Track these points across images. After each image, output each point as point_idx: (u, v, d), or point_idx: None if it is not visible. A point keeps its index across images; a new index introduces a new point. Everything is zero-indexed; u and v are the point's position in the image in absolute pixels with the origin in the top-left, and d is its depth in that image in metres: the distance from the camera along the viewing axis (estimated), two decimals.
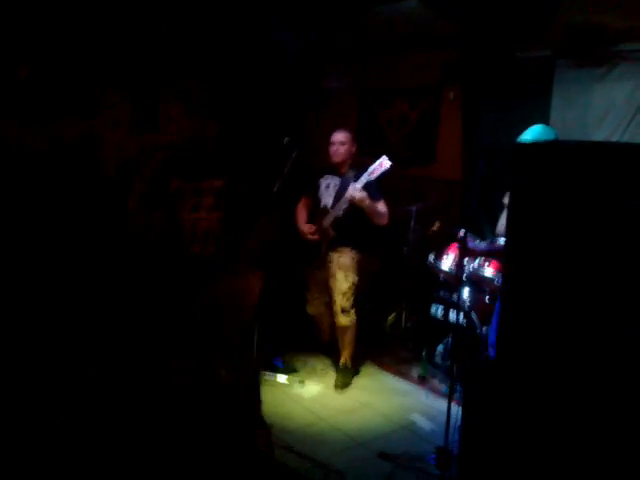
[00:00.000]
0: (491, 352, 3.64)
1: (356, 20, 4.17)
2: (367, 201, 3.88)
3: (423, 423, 3.67)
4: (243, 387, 3.35)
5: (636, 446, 2.10)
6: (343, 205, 4.03)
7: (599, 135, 4.14)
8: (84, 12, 3.92)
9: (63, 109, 4.18)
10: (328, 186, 4.24)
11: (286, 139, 4.13)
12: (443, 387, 4.08)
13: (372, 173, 3.85)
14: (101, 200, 4.06)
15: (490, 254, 3.99)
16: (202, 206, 3.37)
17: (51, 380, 3.23)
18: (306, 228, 4.26)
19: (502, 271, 3.75)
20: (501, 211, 3.95)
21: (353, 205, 3.95)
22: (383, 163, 3.84)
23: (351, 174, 4.02)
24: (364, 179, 3.87)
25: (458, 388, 3.46)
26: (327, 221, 4.14)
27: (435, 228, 4.53)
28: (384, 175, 3.86)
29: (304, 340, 4.69)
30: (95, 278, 3.72)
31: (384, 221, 4.04)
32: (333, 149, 4.14)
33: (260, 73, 5.13)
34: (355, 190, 3.86)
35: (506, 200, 3.83)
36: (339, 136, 4.15)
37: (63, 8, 3.80)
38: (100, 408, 3.06)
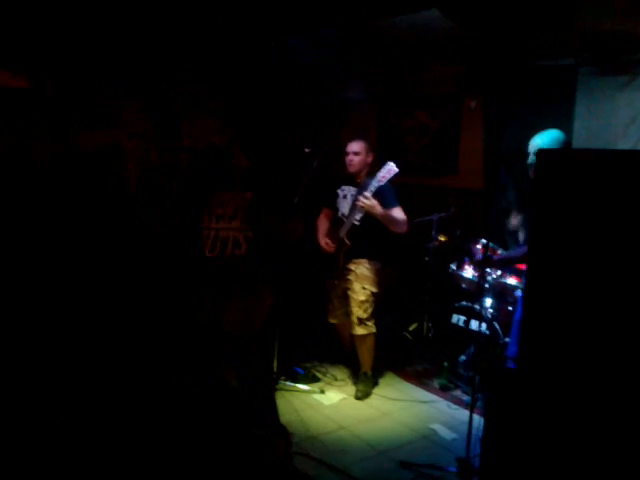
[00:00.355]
0: (510, 364, 3.61)
1: (375, 30, 4.18)
2: (378, 208, 3.86)
3: (444, 433, 3.64)
4: (251, 391, 3.35)
5: None
6: (358, 214, 4.02)
7: (624, 144, 4.09)
8: (108, 28, 4.02)
9: (86, 121, 4.28)
10: (345, 196, 4.25)
11: (307, 149, 4.18)
12: (465, 397, 4.05)
13: (380, 180, 3.83)
14: (119, 206, 4.13)
15: (509, 262, 3.93)
16: (223, 216, 3.41)
17: (52, 380, 3.28)
18: (323, 242, 4.28)
19: (524, 279, 3.71)
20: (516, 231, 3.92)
21: (368, 214, 3.94)
22: (391, 169, 3.82)
23: (367, 183, 4.02)
24: (373, 187, 3.85)
25: (480, 398, 3.45)
26: (343, 231, 4.14)
27: (442, 240, 4.53)
28: (392, 180, 3.85)
29: (326, 350, 4.71)
30: (105, 278, 3.77)
31: (403, 228, 4.00)
32: (348, 159, 4.15)
33: (281, 83, 5.18)
34: (364, 198, 3.85)
35: (513, 222, 3.80)
36: (353, 146, 4.15)
37: (88, 26, 3.90)
38: (101, 408, 3.10)
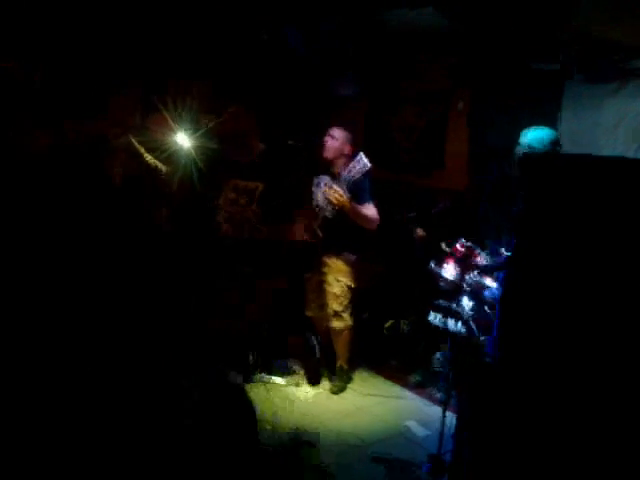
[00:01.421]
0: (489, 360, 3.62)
1: (367, 25, 4.17)
2: (347, 204, 3.78)
3: (418, 429, 3.65)
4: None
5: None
6: (329, 206, 3.95)
7: (609, 151, 4.13)
8: (99, 17, 3.95)
9: (72, 111, 4.22)
10: (318, 184, 4.16)
11: (290, 141, 4.14)
12: (439, 394, 4.06)
13: (350, 171, 3.73)
14: (106, 199, 4.08)
15: (492, 270, 3.94)
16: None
17: (52, 378, 3.24)
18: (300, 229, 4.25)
19: (503, 279, 3.72)
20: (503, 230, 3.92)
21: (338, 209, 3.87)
22: (361, 160, 3.69)
23: (340, 175, 3.89)
24: (344, 179, 3.77)
25: (454, 396, 3.46)
26: (316, 222, 4.06)
27: (420, 235, 4.51)
28: (366, 174, 3.75)
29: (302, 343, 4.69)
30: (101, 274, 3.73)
31: (372, 226, 3.95)
32: (324, 141, 4.09)
33: (271, 76, 5.15)
34: (335, 193, 3.77)
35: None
36: (333, 130, 4.10)
37: (76, 16, 3.83)
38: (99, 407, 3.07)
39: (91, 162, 4.05)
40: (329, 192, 3.79)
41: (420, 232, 4.53)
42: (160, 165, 3.60)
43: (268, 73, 4.96)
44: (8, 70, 3.96)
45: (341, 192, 3.76)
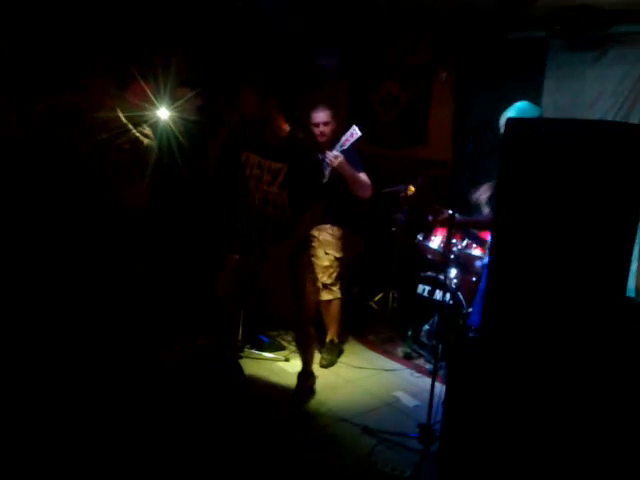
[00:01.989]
0: (472, 333, 3.67)
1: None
2: (346, 166, 3.84)
3: (407, 400, 3.69)
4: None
5: (615, 425, 2.14)
6: (327, 171, 3.97)
7: (591, 118, 4.14)
8: None
9: (44, 83, 4.11)
10: None
11: None
12: (428, 366, 4.11)
13: (344, 144, 3.85)
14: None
15: (474, 225, 3.95)
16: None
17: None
18: None
19: (488, 249, 3.75)
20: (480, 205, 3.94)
21: (332, 180, 3.90)
22: (354, 133, 3.85)
23: (332, 147, 3.96)
24: (337, 150, 3.86)
25: (442, 366, 3.50)
26: None
27: (411, 191, 4.51)
28: (355, 144, 3.87)
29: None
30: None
31: (367, 192, 4.01)
32: (318, 131, 4.08)
33: (250, 51, 5.05)
34: (332, 156, 3.83)
35: (483, 196, 3.82)
36: (321, 116, 4.07)
37: None
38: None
39: (58, 134, 3.96)
40: (330, 158, 3.83)
41: (411, 189, 4.52)
42: (141, 137, 3.57)
43: (243, 43, 4.88)
44: None
45: (337, 154, 3.83)
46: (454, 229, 3.98)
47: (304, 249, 3.88)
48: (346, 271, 4.27)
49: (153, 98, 3.72)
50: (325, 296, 4.13)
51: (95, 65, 4.13)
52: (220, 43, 4.75)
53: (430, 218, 4.12)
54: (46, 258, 3.56)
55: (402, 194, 4.58)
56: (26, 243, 3.58)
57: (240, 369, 2.31)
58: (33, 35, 4.01)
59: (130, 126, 3.55)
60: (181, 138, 3.82)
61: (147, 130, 3.64)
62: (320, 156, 4.16)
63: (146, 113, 3.68)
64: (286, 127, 3.36)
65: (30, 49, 4.01)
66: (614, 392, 2.17)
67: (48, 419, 2.95)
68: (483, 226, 3.82)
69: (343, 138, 3.87)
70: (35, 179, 3.76)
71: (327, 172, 3.94)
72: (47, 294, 3.49)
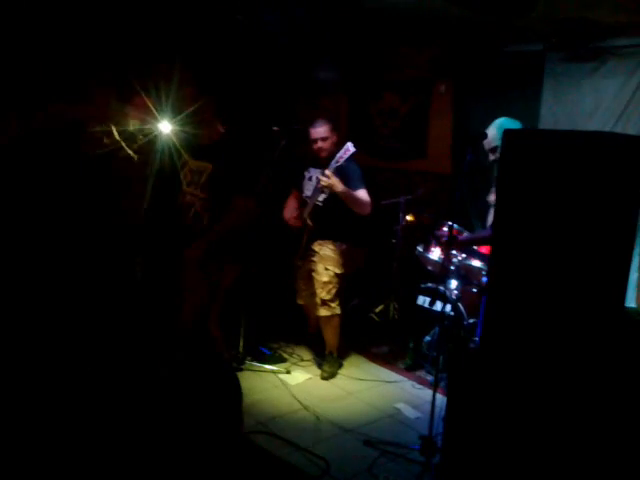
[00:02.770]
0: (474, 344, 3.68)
1: (347, 10, 4.13)
2: (339, 185, 3.81)
3: (408, 412, 3.69)
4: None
5: (616, 434, 2.13)
6: (320, 195, 4.02)
7: (589, 129, 4.16)
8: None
9: (47, 95, 4.15)
10: (310, 178, 4.23)
11: (275, 128, 4.12)
12: (429, 377, 4.11)
13: (339, 160, 3.81)
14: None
15: (474, 242, 3.98)
16: (198, 184, 3.39)
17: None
18: (287, 215, 4.29)
19: (488, 260, 3.76)
20: (488, 208, 3.96)
21: (332, 195, 3.91)
22: (348, 149, 3.80)
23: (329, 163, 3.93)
24: (332, 166, 3.82)
25: (444, 378, 3.50)
26: (305, 212, 4.14)
27: (409, 220, 4.55)
28: (351, 159, 3.84)
29: (292, 330, 4.71)
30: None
31: (366, 210, 3.99)
32: (317, 146, 4.07)
33: (250, 60, 5.09)
34: (324, 176, 3.80)
35: (492, 197, 3.84)
36: (319, 131, 4.05)
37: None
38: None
39: (61, 148, 4.00)
40: (322, 178, 3.82)
41: (410, 217, 4.56)
42: (132, 154, 3.59)
43: (244, 56, 4.92)
44: None
45: (329, 173, 3.80)
46: (456, 248, 4.01)
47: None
48: (345, 284, 4.28)
49: (155, 111, 3.75)
50: (323, 312, 4.11)
51: (97, 78, 4.18)
52: (222, 57, 4.79)
53: (433, 242, 4.16)
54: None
55: (402, 224, 4.61)
56: (26, 251, 3.61)
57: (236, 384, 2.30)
58: (36, 46, 4.04)
59: (122, 143, 3.55)
60: (183, 151, 3.85)
61: (137, 145, 3.64)
62: (309, 174, 4.20)
63: (147, 126, 3.71)
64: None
65: (33, 60, 4.05)
66: (616, 404, 2.17)
67: (45, 420, 2.94)
68: (483, 242, 3.84)
69: (337, 155, 3.83)
70: (32, 188, 3.79)
71: (325, 192, 3.96)
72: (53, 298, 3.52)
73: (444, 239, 4.06)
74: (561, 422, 2.19)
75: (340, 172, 3.86)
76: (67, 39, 4.10)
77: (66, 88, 4.17)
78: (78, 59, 4.17)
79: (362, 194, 3.96)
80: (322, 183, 3.83)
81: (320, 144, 4.07)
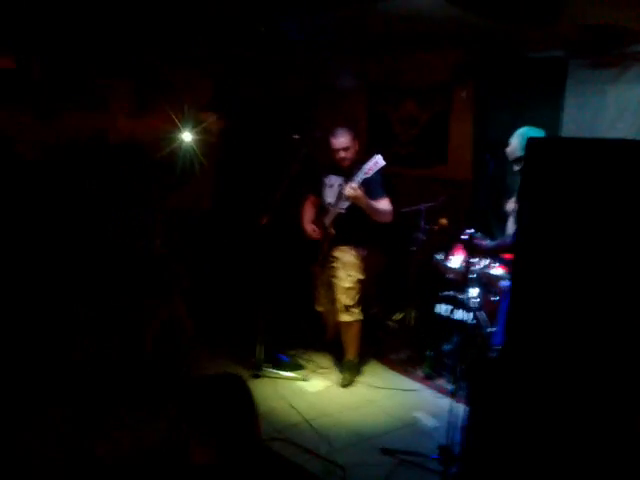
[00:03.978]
0: (496, 353, 3.63)
1: (366, 14, 4.12)
2: (363, 199, 3.84)
3: (427, 421, 3.65)
4: None
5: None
6: (343, 204, 4.02)
7: (612, 136, 4.11)
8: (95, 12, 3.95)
9: (72, 103, 4.23)
10: (332, 185, 4.22)
11: (296, 136, 4.13)
12: (449, 386, 4.06)
13: (367, 172, 3.80)
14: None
15: (497, 251, 3.94)
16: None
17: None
18: (309, 228, 4.27)
19: (511, 268, 3.72)
20: (507, 216, 3.93)
21: (354, 204, 3.92)
22: (378, 161, 3.79)
23: (354, 173, 3.92)
24: (360, 177, 3.82)
25: (463, 387, 3.46)
26: (328, 220, 4.15)
27: (442, 223, 4.50)
28: (380, 172, 3.84)
29: (311, 337, 4.70)
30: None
31: (386, 219, 4.00)
32: (339, 156, 4.05)
33: (268, 68, 5.11)
34: (350, 188, 3.81)
35: (510, 206, 3.81)
36: (342, 141, 4.03)
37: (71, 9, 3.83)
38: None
39: (90, 159, 4.08)
40: (345, 188, 3.83)
41: (443, 221, 4.50)
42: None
43: (265, 64, 4.94)
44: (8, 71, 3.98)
45: (355, 186, 3.79)
46: (480, 255, 3.98)
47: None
48: (366, 288, 4.26)
49: (177, 121, 3.80)
50: (345, 317, 4.11)
51: (119, 88, 4.25)
52: (243, 68, 4.83)
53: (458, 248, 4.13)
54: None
55: (436, 227, 4.55)
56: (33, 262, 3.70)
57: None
58: (62, 58, 4.12)
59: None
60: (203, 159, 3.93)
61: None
62: (329, 181, 4.20)
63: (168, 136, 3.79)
64: None
65: (59, 72, 4.13)
66: None
67: None
68: (508, 250, 3.80)
69: (366, 166, 3.81)
70: (67, 199, 3.88)
71: (349, 200, 3.95)
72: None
73: (473, 243, 4.03)
74: (588, 435, 2.15)
75: (364, 182, 3.86)
76: (87, 49, 4.17)
77: (83, 97, 4.24)
78: (97, 69, 4.25)
79: (384, 204, 3.97)
80: (347, 194, 3.84)
81: (342, 154, 4.05)
